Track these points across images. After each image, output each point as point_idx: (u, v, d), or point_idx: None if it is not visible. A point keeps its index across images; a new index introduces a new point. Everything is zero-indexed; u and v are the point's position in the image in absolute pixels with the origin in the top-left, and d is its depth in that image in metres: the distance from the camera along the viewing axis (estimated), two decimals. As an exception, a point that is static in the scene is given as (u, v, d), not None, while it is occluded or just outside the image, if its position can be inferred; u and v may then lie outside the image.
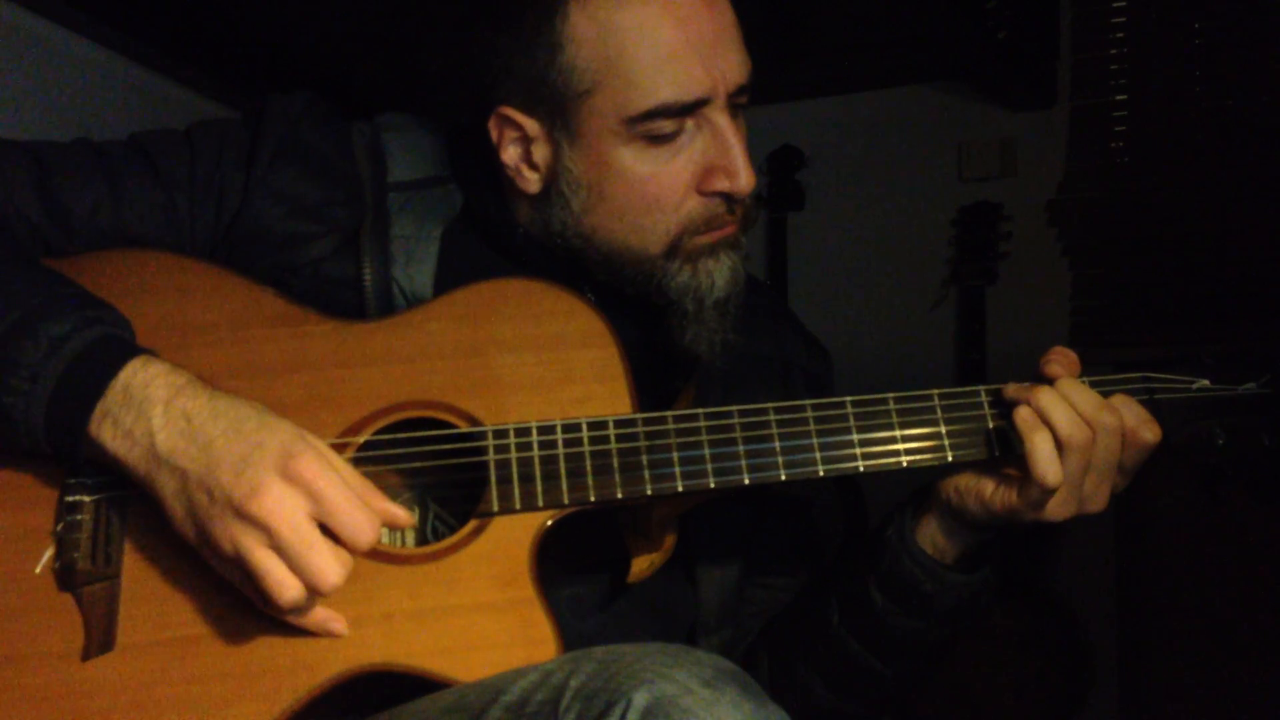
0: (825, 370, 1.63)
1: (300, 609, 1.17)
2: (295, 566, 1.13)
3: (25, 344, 1.18)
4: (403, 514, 1.20)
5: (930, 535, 1.37)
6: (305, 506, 1.13)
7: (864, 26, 3.45)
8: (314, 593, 1.14)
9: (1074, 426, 1.26)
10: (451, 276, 1.40)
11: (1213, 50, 3.46)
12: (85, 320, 1.20)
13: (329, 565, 1.13)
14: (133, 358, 1.20)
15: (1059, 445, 1.26)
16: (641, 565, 1.34)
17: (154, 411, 1.17)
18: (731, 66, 1.37)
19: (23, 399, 1.18)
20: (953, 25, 3.32)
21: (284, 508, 1.12)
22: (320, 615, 1.19)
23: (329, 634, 1.20)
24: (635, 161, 1.37)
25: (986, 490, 1.32)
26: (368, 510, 1.15)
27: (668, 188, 1.38)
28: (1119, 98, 3.57)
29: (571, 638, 1.24)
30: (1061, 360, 1.32)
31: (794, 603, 1.56)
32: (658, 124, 1.35)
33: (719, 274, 1.41)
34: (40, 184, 1.38)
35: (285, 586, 1.13)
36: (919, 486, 1.39)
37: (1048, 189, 3.65)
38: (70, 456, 1.21)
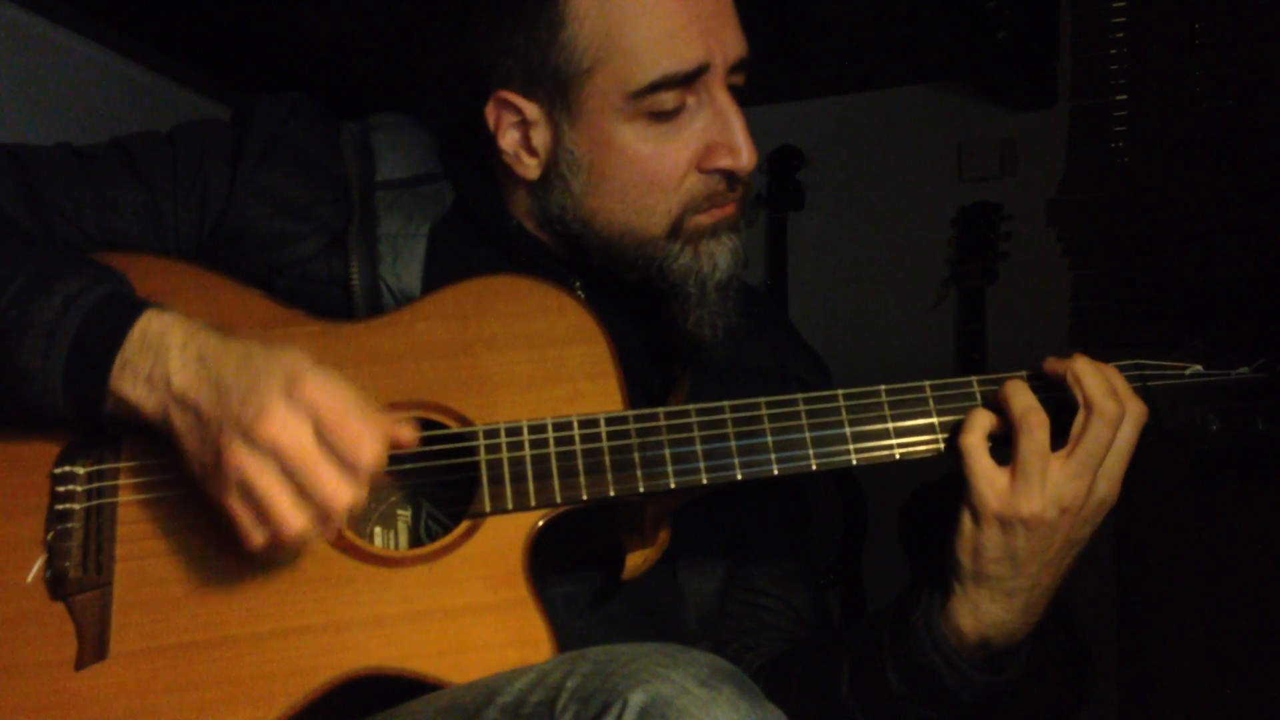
0: (823, 383, 1.62)
1: (305, 538, 1.16)
2: (305, 485, 1.13)
3: (39, 303, 1.19)
4: (407, 432, 1.21)
5: (959, 619, 1.32)
6: (310, 426, 1.14)
7: (864, 26, 3.45)
8: (324, 515, 1.15)
9: (1025, 409, 1.27)
10: (440, 273, 1.40)
11: (1213, 50, 3.45)
12: (96, 278, 1.22)
13: (339, 484, 1.14)
14: (147, 308, 1.22)
15: (1012, 429, 1.27)
16: (636, 561, 1.34)
17: (171, 355, 1.18)
18: (730, 39, 1.39)
19: (40, 357, 1.18)
20: (953, 25, 3.32)
21: (289, 428, 1.13)
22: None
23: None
24: (637, 139, 1.38)
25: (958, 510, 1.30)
26: (371, 424, 1.16)
27: (669, 165, 1.38)
28: (1119, 98, 3.57)
29: (566, 636, 1.24)
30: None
31: (801, 650, 1.53)
32: (659, 98, 1.36)
33: (721, 256, 1.42)
34: (24, 187, 1.38)
35: (292, 516, 1.14)
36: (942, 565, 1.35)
37: (1048, 189, 3.64)
38: (93, 412, 1.21)
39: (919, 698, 1.35)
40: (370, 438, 1.15)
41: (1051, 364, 1.31)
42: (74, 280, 1.21)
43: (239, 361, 1.17)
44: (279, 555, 1.19)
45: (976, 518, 1.28)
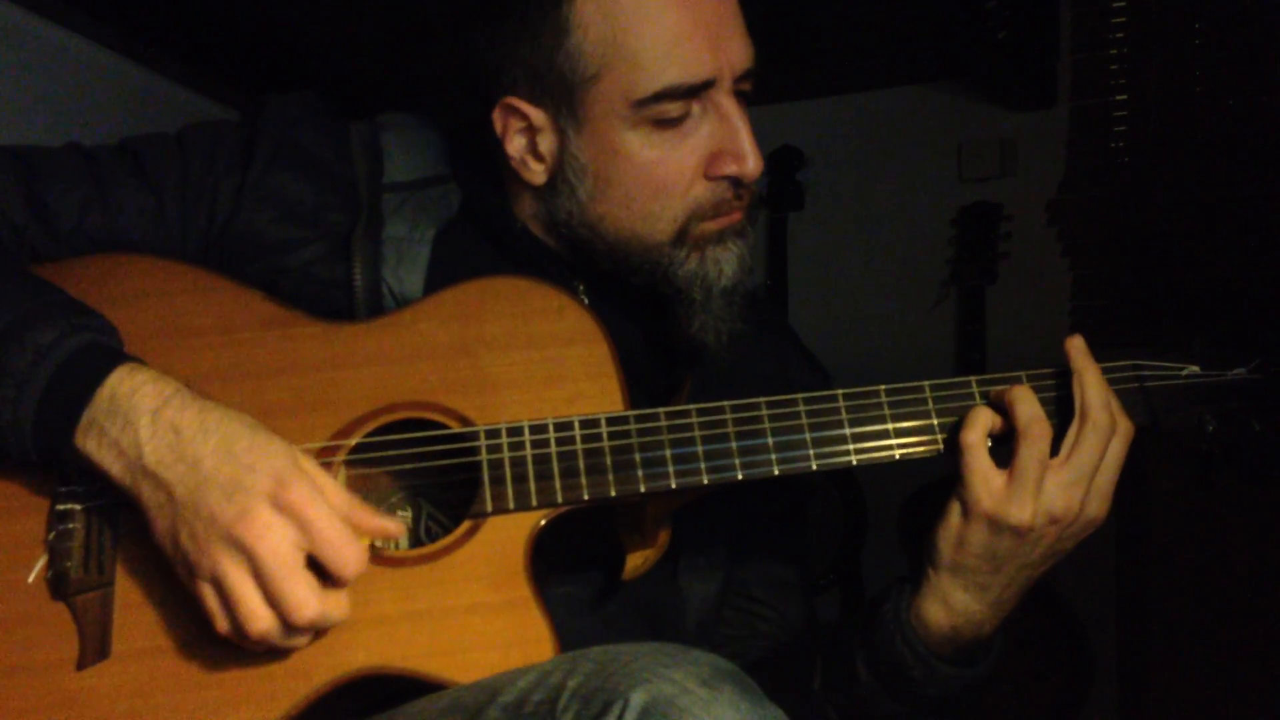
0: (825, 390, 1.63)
1: (268, 643, 1.15)
2: (272, 594, 1.12)
3: (11, 351, 1.18)
4: (393, 526, 1.20)
5: (928, 608, 1.33)
6: (293, 537, 1.13)
7: (864, 26, 3.45)
8: (286, 624, 1.14)
9: (1031, 416, 1.27)
10: (443, 277, 1.39)
11: (1213, 50, 3.45)
12: (72, 327, 1.20)
13: (306, 598, 1.13)
14: (119, 365, 1.19)
15: (1015, 434, 1.27)
16: (636, 561, 1.35)
17: (141, 422, 1.16)
18: (736, 50, 1.38)
19: (9, 407, 1.17)
20: (953, 25, 3.31)
21: (270, 535, 1.12)
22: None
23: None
24: (642, 146, 1.38)
25: (947, 503, 1.31)
26: (356, 544, 1.15)
27: (675, 172, 1.38)
28: (1119, 98, 3.56)
29: (566, 636, 1.24)
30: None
31: (779, 653, 1.54)
32: (664, 107, 1.35)
33: (727, 262, 1.42)
34: (27, 188, 1.37)
35: (257, 617, 1.13)
36: (918, 559, 1.36)
37: (1048, 189, 3.64)
38: (58, 465, 1.21)
39: (887, 690, 1.36)
40: (356, 559, 1.15)
41: (1075, 349, 1.31)
42: (49, 329, 1.19)
43: (219, 445, 1.15)
44: (245, 645, 1.17)
45: (966, 513, 1.29)
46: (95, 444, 1.17)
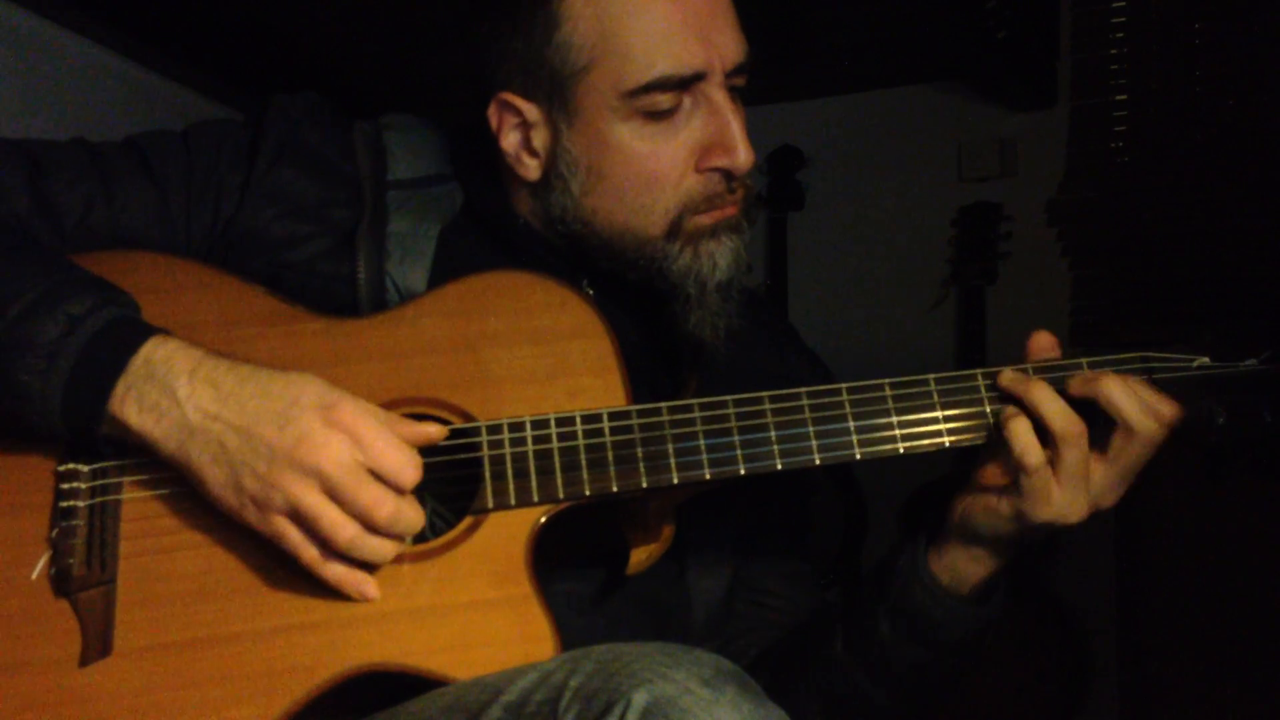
0: None
1: (357, 550, 1.18)
2: (347, 502, 1.16)
3: (43, 323, 1.19)
4: (434, 429, 1.24)
5: (945, 564, 1.35)
6: (351, 450, 1.17)
7: (864, 26, 3.45)
8: (370, 528, 1.17)
9: (1066, 420, 1.26)
10: (447, 273, 1.40)
11: (1213, 50, 3.45)
12: (102, 300, 1.22)
13: (380, 496, 1.17)
14: (152, 335, 1.22)
15: (1053, 440, 1.26)
16: (640, 557, 1.34)
17: (179, 383, 1.19)
18: (728, 44, 1.38)
19: (40, 378, 1.18)
20: (953, 25, 3.32)
21: (331, 448, 1.16)
22: (358, 575, 1.21)
23: (364, 597, 1.22)
24: (633, 139, 1.38)
25: (991, 500, 1.31)
26: (409, 450, 1.19)
27: (667, 164, 1.39)
28: (1119, 98, 3.57)
29: (569, 633, 1.24)
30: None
31: (796, 629, 1.54)
32: (655, 98, 1.36)
33: (721, 257, 1.41)
34: (32, 182, 1.38)
35: (340, 525, 1.17)
36: (932, 515, 1.37)
37: (1048, 189, 3.65)
38: (87, 435, 1.21)
39: (909, 637, 1.36)
40: (412, 463, 1.19)
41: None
42: (80, 301, 1.21)
43: (258, 389, 1.19)
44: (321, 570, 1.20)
45: (1020, 518, 1.29)
46: (135, 410, 1.19)
